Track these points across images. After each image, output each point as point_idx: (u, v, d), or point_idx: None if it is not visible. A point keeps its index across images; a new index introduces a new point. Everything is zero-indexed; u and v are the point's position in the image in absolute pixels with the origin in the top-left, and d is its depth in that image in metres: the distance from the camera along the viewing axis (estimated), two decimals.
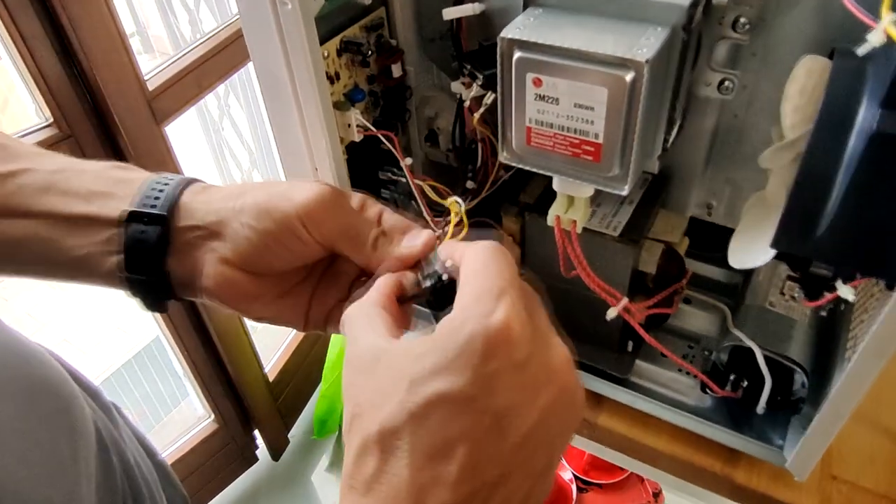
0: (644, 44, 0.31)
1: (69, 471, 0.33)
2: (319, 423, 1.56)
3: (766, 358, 0.41)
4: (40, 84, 0.84)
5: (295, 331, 1.61)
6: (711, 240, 0.47)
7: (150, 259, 0.35)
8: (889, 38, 0.24)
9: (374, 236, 0.32)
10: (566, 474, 1.00)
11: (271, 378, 1.49)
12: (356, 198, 0.34)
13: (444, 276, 0.28)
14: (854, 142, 0.28)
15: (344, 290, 0.36)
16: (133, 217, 0.35)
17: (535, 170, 0.37)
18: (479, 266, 0.25)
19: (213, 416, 1.38)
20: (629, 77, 0.30)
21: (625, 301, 0.40)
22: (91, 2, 0.84)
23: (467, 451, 0.22)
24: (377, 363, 0.24)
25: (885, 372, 0.46)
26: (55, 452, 0.32)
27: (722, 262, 0.49)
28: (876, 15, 0.25)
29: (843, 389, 0.33)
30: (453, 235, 0.41)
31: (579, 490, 0.99)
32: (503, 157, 0.37)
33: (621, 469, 0.99)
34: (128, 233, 0.35)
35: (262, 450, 1.55)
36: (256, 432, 1.51)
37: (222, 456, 1.43)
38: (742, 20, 0.36)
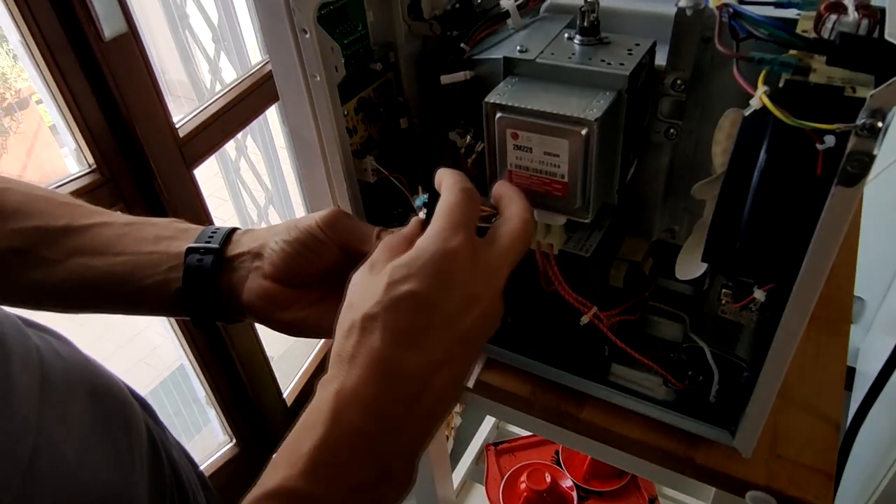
0: (595, 105, 0.40)
1: (125, 459, 0.41)
2: None
3: (715, 355, 0.49)
4: (85, 134, 0.95)
5: (311, 358, 1.69)
6: (675, 260, 0.55)
7: (206, 281, 0.44)
8: (763, 104, 0.33)
9: (377, 231, 0.42)
10: (566, 482, 1.07)
11: (289, 403, 1.56)
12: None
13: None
14: (754, 178, 0.36)
15: None
16: (192, 250, 0.44)
17: None
18: (447, 204, 0.34)
19: (233, 440, 1.45)
20: (584, 131, 0.39)
21: (594, 309, 0.48)
22: (131, 60, 0.94)
23: (425, 336, 0.31)
24: (371, 271, 0.33)
25: (826, 367, 0.55)
26: (114, 444, 0.40)
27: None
28: (756, 85, 0.34)
29: (766, 373, 0.41)
30: None
31: (580, 498, 1.05)
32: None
33: (619, 478, 1.06)
34: (188, 262, 0.44)
35: None
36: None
37: (242, 479, 1.49)
38: (678, 82, 0.45)
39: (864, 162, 0.31)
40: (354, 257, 0.44)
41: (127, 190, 1.00)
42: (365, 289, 0.32)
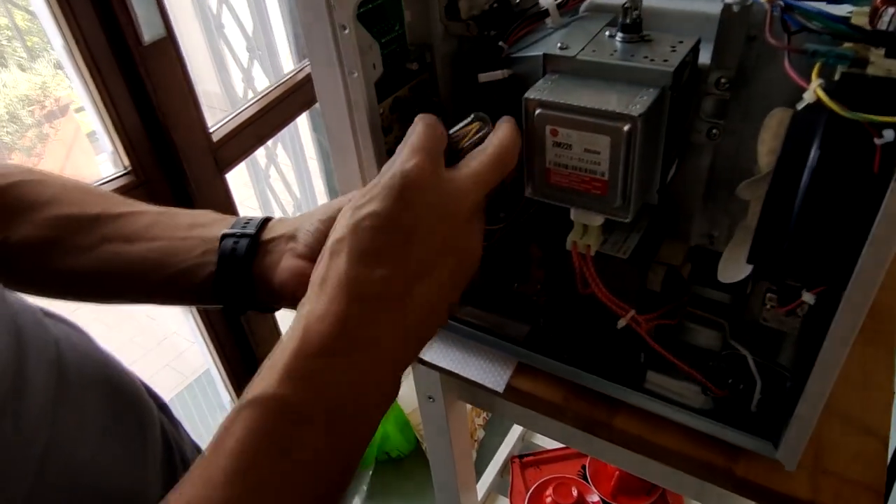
0: (638, 101, 0.39)
1: (138, 458, 0.40)
2: None
3: (757, 363, 0.47)
4: (122, 137, 0.96)
5: None
6: (714, 267, 0.53)
7: (239, 266, 0.44)
8: (818, 97, 0.31)
9: None
10: (593, 497, 1.04)
11: None
12: None
13: None
14: (804, 176, 0.35)
15: None
16: (227, 235, 0.44)
17: (554, 203, 0.45)
18: (409, 134, 0.37)
19: None
20: (626, 128, 0.38)
21: (632, 313, 0.47)
22: (168, 64, 0.96)
23: (388, 251, 0.32)
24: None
25: (873, 379, 0.53)
26: (127, 442, 0.40)
27: (724, 286, 0.56)
28: (810, 78, 0.32)
29: (814, 382, 0.39)
30: None
31: None
32: (528, 192, 0.46)
33: (648, 494, 1.03)
34: (222, 246, 0.45)
35: None
36: None
37: None
38: (722, 80, 0.44)
39: None
40: None
41: (160, 192, 1.02)
42: (339, 219, 0.34)
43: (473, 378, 0.58)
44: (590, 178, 0.42)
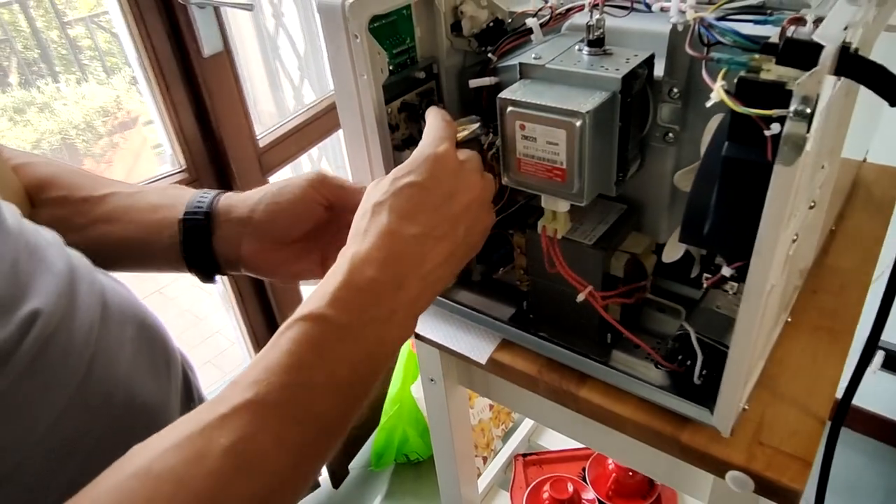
0: (589, 101, 0.46)
1: (164, 384, 0.49)
2: (377, 456, 1.68)
3: (704, 344, 0.53)
4: (180, 139, 1.09)
5: None
6: (681, 262, 0.60)
7: (201, 241, 0.53)
8: (720, 96, 0.38)
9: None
10: (589, 495, 1.08)
11: None
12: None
13: None
14: (719, 165, 0.42)
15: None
16: (185, 219, 0.53)
17: (524, 189, 0.52)
18: (434, 125, 0.47)
19: None
20: (578, 123, 0.46)
21: (590, 288, 0.54)
22: (224, 75, 1.08)
23: (421, 214, 0.41)
24: (381, 180, 0.44)
25: (822, 371, 0.58)
26: (156, 367, 0.48)
27: (691, 281, 0.62)
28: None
29: (734, 348, 0.45)
30: None
31: None
32: (505, 181, 0.53)
33: (643, 498, 1.06)
34: (185, 227, 0.53)
35: (324, 477, 1.68)
36: None
37: None
38: (674, 90, 0.51)
39: (798, 144, 0.36)
40: (339, 215, 0.53)
41: (210, 188, 1.13)
42: (375, 187, 0.43)
43: (461, 351, 0.66)
44: (551, 166, 0.49)
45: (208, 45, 1.02)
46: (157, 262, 0.55)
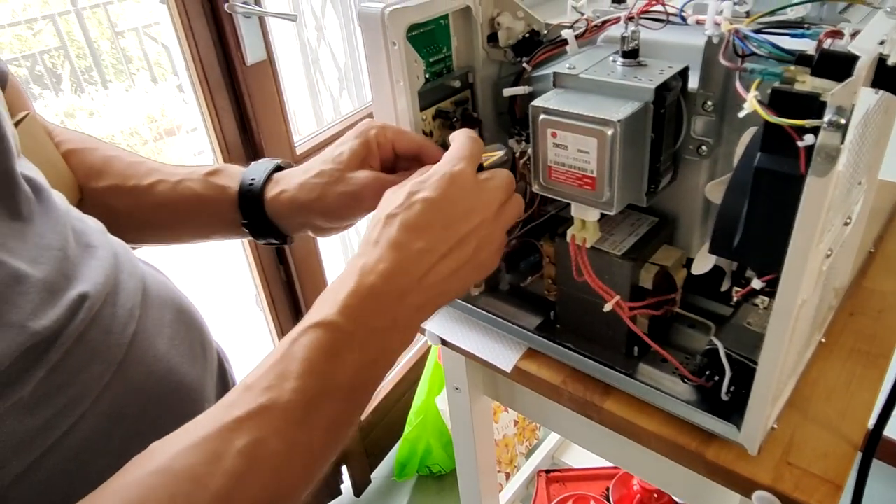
0: (621, 111, 0.47)
1: (200, 364, 0.50)
2: (400, 466, 1.68)
3: (734, 360, 0.53)
4: (221, 144, 1.12)
5: (391, 376, 1.77)
6: (712, 277, 0.59)
7: (255, 208, 0.55)
8: (753, 107, 0.38)
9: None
10: None
11: (362, 417, 1.64)
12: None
13: None
14: (751, 176, 0.42)
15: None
16: (242, 187, 0.56)
17: (554, 197, 0.53)
18: (457, 143, 0.47)
19: None
20: (609, 131, 0.46)
21: (617, 298, 0.53)
22: (266, 83, 1.11)
23: (429, 230, 0.41)
24: (399, 187, 0.45)
25: (856, 395, 0.56)
26: (193, 350, 0.50)
27: (718, 296, 0.61)
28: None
29: (762, 363, 0.45)
30: None
31: None
32: (535, 188, 0.54)
33: None
34: (241, 191, 0.56)
35: (346, 485, 1.69)
36: (343, 467, 1.66)
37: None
38: (708, 103, 0.51)
39: (832, 155, 0.36)
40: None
41: None
42: (391, 196, 0.44)
43: (487, 359, 0.66)
44: (582, 174, 0.49)
45: (252, 53, 1.06)
46: (220, 235, 0.60)
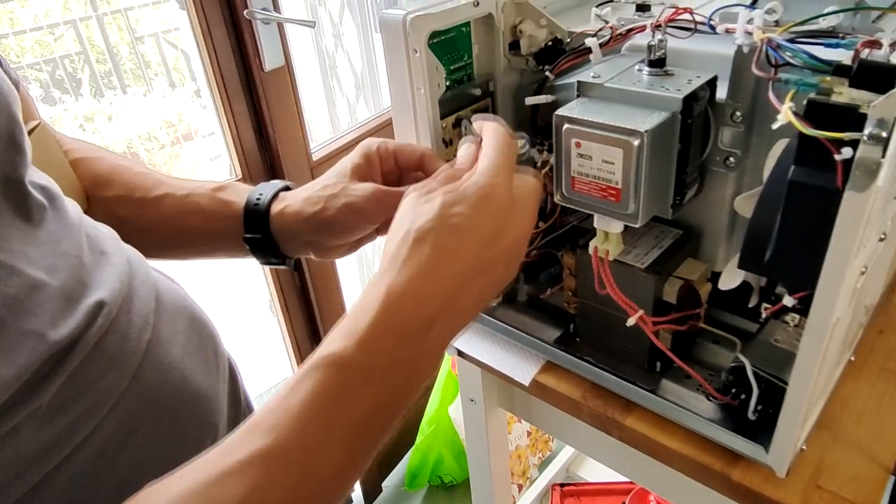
0: (648, 121, 0.45)
1: (213, 373, 0.50)
2: (411, 476, 1.67)
3: (761, 378, 0.51)
4: (238, 149, 1.11)
5: None
6: (737, 292, 0.58)
7: (260, 224, 0.54)
8: (788, 118, 0.37)
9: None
10: None
11: None
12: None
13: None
14: (784, 189, 0.40)
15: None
16: (248, 204, 0.55)
17: (577, 208, 0.52)
18: (494, 146, 0.41)
19: None
20: (636, 142, 0.45)
21: (640, 312, 0.52)
22: (283, 89, 1.11)
23: (464, 253, 0.38)
24: (427, 194, 0.40)
25: (887, 416, 0.55)
26: (206, 358, 0.49)
27: (744, 312, 0.60)
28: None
29: (793, 382, 0.43)
30: None
31: None
32: (557, 198, 0.53)
33: None
34: (247, 207, 0.55)
35: (357, 493, 1.67)
36: None
37: None
38: (736, 113, 0.50)
39: (871, 169, 0.34)
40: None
41: None
42: (421, 207, 0.39)
43: (504, 371, 0.64)
44: (606, 185, 0.48)
45: (270, 59, 1.05)
46: (223, 253, 0.59)
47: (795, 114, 0.37)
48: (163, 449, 0.39)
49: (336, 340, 0.36)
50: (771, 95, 0.40)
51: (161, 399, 0.43)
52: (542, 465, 1.64)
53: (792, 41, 0.43)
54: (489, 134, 0.42)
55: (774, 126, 0.38)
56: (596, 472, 1.22)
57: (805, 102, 0.37)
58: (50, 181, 0.44)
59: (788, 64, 0.40)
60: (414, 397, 0.39)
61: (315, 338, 1.42)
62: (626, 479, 1.13)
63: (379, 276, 0.38)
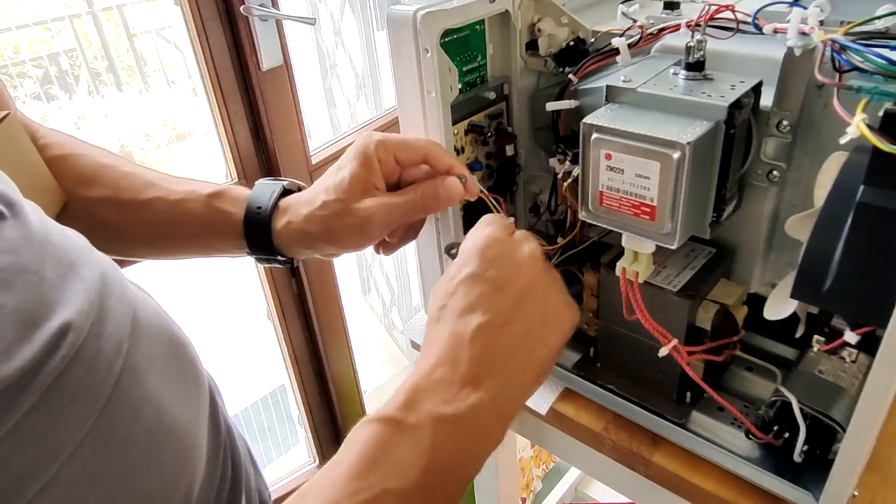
0: (690, 131, 0.41)
1: (192, 403, 0.44)
2: None
3: (804, 412, 0.46)
4: (233, 150, 1.06)
5: None
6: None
7: (262, 230, 0.52)
8: (860, 131, 0.32)
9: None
10: None
11: None
12: None
13: None
14: (850, 211, 0.36)
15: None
16: (248, 215, 0.52)
17: (605, 226, 0.47)
18: (481, 220, 0.45)
19: (317, 461, 1.49)
20: (676, 155, 0.40)
21: (675, 342, 0.47)
22: (281, 89, 1.06)
23: (480, 302, 0.39)
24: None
25: None
26: (184, 390, 0.44)
27: (780, 337, 0.55)
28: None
29: (853, 428, 0.38)
30: None
31: None
32: (582, 215, 0.48)
33: None
34: (247, 219, 0.53)
35: None
36: None
37: None
38: (784, 122, 0.45)
39: None
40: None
41: None
42: (437, 290, 0.42)
43: None
44: (639, 202, 0.43)
45: (268, 58, 1.00)
46: (216, 255, 0.57)
47: (869, 126, 0.32)
48: (130, 500, 0.34)
49: (388, 403, 0.38)
50: (836, 105, 0.35)
51: (131, 441, 0.37)
52: (546, 478, 1.59)
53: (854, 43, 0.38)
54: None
55: (842, 140, 0.34)
56: (605, 491, 1.18)
57: (881, 114, 0.32)
58: (8, 183, 0.38)
59: (856, 69, 0.35)
60: (477, 464, 0.38)
61: (311, 345, 1.37)
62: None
63: (417, 359, 0.41)
